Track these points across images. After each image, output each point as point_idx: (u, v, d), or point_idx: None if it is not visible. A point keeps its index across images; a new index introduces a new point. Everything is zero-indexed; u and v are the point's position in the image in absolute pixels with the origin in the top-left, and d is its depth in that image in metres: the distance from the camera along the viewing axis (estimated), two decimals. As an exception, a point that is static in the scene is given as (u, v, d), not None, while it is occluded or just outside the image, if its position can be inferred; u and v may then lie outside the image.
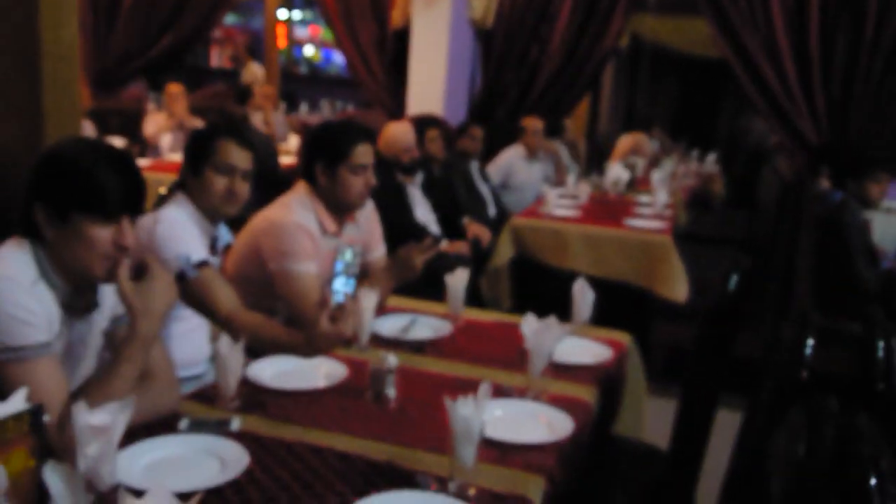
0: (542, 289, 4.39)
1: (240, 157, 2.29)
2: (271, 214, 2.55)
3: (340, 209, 2.60)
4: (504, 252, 4.39)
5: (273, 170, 5.24)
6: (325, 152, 2.56)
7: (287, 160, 5.55)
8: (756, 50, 5.06)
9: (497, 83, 5.92)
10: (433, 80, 5.76)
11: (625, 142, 7.15)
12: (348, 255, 1.96)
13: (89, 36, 6.89)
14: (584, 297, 2.53)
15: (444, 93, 5.75)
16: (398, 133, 4.32)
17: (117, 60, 6.93)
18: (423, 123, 4.83)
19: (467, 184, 5.09)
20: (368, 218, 2.82)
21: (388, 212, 4.17)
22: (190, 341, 2.33)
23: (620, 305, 4.24)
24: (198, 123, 6.16)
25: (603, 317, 4.01)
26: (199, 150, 2.30)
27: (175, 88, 6.07)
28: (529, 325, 2.05)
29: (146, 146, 6.02)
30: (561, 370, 2.18)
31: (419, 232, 4.26)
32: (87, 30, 6.88)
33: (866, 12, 4.79)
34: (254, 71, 9.31)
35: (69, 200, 1.59)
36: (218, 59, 15.51)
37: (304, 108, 10.44)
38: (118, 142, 5.51)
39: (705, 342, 2.07)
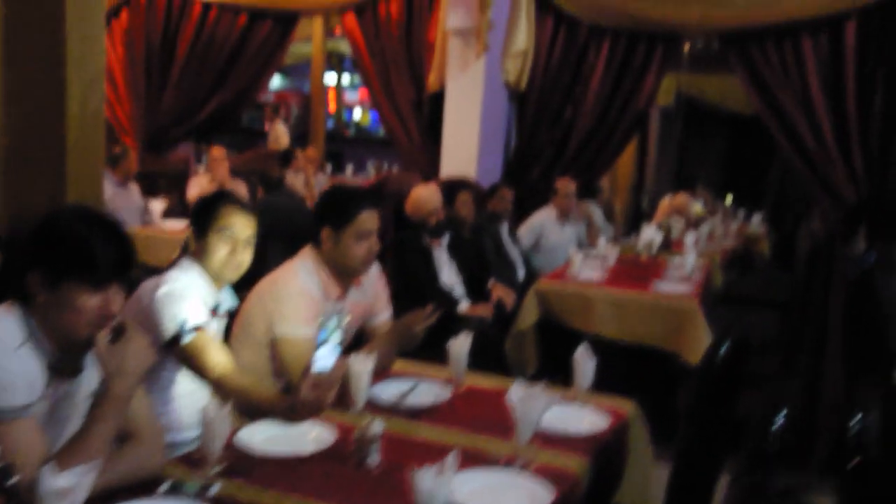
0: (568, 353, 4.35)
1: (241, 224, 2.37)
2: (276, 277, 2.61)
3: (344, 274, 2.64)
4: (529, 315, 4.39)
5: (308, 231, 5.35)
6: (331, 217, 2.62)
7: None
8: (791, 107, 5.05)
9: (531, 143, 5.99)
10: (467, 142, 5.85)
11: (667, 203, 7.12)
12: (332, 324, 2.00)
13: (142, 100, 7.22)
14: (585, 364, 2.51)
15: (477, 154, 5.83)
16: (424, 196, 4.40)
17: (167, 123, 7.23)
18: (454, 187, 4.91)
19: (496, 246, 5.14)
20: (373, 282, 2.86)
21: (413, 274, 4.27)
22: (189, 403, 2.39)
23: (648, 370, 4.23)
24: (239, 186, 6.34)
25: (628, 382, 3.96)
26: (203, 216, 2.39)
27: (217, 152, 6.27)
28: (516, 393, 2.05)
29: (188, 208, 6.22)
30: (551, 439, 2.17)
31: (444, 295, 4.30)
32: (140, 94, 7.21)
33: (902, 69, 4.75)
34: (277, 133, 9.56)
35: (62, 268, 1.67)
36: (271, 122, 15.96)
37: (349, 169, 10.68)
38: (158, 204, 5.69)
39: (695, 408, 2.04)
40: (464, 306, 4.27)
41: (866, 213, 4.55)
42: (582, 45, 5.77)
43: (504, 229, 5.27)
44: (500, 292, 4.54)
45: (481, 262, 4.86)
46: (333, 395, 1.98)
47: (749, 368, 2.36)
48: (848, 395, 3.55)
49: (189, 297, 2.30)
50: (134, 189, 5.89)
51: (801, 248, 5.71)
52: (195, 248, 2.39)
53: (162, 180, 6.93)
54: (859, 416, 1.46)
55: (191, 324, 2.25)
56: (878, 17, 4.81)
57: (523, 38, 5.70)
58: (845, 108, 4.92)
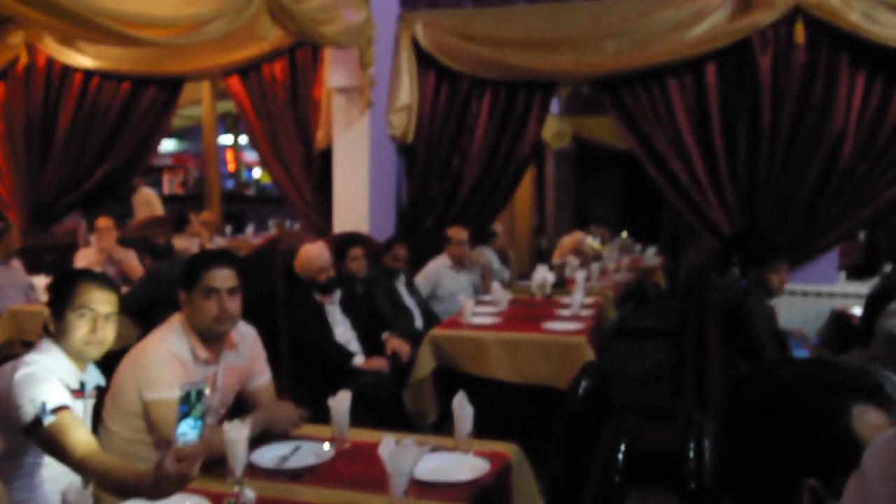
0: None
1: (101, 301, 2.35)
2: (145, 344, 2.60)
3: (209, 336, 2.64)
4: (425, 364, 4.42)
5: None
6: (183, 279, 2.68)
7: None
8: (662, 145, 5.29)
9: (422, 194, 6.08)
10: (357, 197, 5.90)
11: (565, 242, 7.31)
12: (193, 397, 1.98)
13: (23, 173, 7.02)
14: (462, 412, 2.55)
15: (368, 208, 5.89)
16: (312, 254, 4.42)
17: (52, 195, 7.03)
18: (345, 242, 4.94)
19: (392, 299, 5.17)
20: (250, 345, 2.85)
21: (306, 331, 4.27)
22: (57, 488, 2.31)
23: (543, 409, 4.30)
24: (129, 255, 6.22)
25: (525, 421, 4.01)
26: (59, 296, 2.36)
27: (103, 222, 6.15)
28: (386, 447, 2.07)
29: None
30: (427, 489, 2.20)
31: (338, 350, 4.30)
32: (21, 167, 7.01)
33: (761, 102, 5.05)
34: (145, 199, 9.38)
35: None
36: (169, 185, 15.74)
37: (250, 229, 10.59)
38: (42, 280, 5.53)
39: (559, 442, 2.10)
40: (359, 360, 4.28)
41: (739, 242, 4.78)
42: (464, 97, 5.93)
43: (401, 282, 5.32)
44: (394, 344, 4.56)
45: (376, 316, 4.89)
46: (198, 468, 1.96)
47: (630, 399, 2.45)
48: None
49: (48, 379, 2.25)
50: (17, 266, 5.71)
51: (681, 279, 5.95)
52: (54, 329, 2.35)
53: (48, 254, 6.73)
54: (692, 441, 1.53)
55: (51, 405, 2.20)
56: (734, 58, 5.12)
57: (406, 93, 5.82)
58: (713, 143, 5.19)
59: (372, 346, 4.54)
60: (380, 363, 4.29)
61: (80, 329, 2.31)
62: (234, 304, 2.65)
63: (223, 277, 2.64)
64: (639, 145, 5.42)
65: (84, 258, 6.06)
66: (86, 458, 2.16)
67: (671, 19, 5.18)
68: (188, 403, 1.96)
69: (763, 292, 3.99)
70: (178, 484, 1.94)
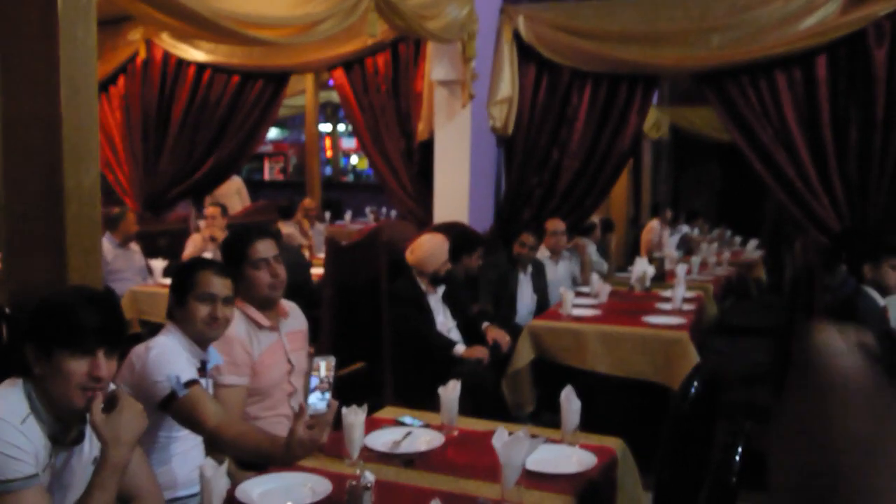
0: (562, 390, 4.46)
1: (219, 286, 2.54)
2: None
3: (263, 304, 2.88)
4: (524, 355, 4.49)
5: (304, 283, 5.48)
6: (231, 256, 2.88)
7: (318, 271, 5.78)
8: (769, 141, 5.17)
9: (521, 186, 6.12)
10: (457, 188, 5.99)
11: (645, 233, 7.26)
12: (323, 370, 2.13)
13: (140, 163, 7.39)
14: (570, 405, 2.61)
15: (468, 198, 5.96)
16: (434, 250, 4.50)
17: (165, 184, 7.38)
18: (470, 242, 5.02)
19: (498, 290, 5.27)
20: (300, 313, 3.10)
21: (409, 321, 4.38)
22: (189, 460, 2.49)
23: (643, 403, 4.32)
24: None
25: (624, 416, 4.03)
26: (181, 283, 2.54)
27: (212, 210, 6.42)
28: (500, 438, 2.15)
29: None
30: (537, 480, 2.26)
31: (439, 340, 4.40)
32: (138, 157, 7.38)
33: (875, 95, 4.88)
34: (234, 184, 9.46)
35: (51, 337, 1.80)
36: (270, 172, 16.20)
37: (348, 215, 10.85)
38: (159, 263, 5.82)
39: (669, 441, 2.13)
40: (460, 349, 4.37)
41: (848, 240, 4.65)
42: (565, 90, 5.93)
43: (527, 270, 5.46)
44: (494, 334, 4.63)
45: (477, 306, 4.99)
46: (327, 434, 2.11)
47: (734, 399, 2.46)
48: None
49: (178, 357, 2.43)
50: (135, 249, 6.03)
51: (787, 276, 5.82)
52: (178, 314, 2.52)
53: (162, 239, 7.07)
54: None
55: (184, 379, 2.37)
56: (846, 50, 4.95)
57: (507, 85, 5.86)
58: (822, 138, 5.04)
59: (471, 335, 4.64)
60: (481, 352, 4.37)
61: (200, 313, 2.50)
62: (282, 270, 2.88)
63: (269, 247, 2.88)
64: (743, 139, 5.31)
65: (194, 243, 6.33)
66: (220, 427, 2.32)
67: (780, 12, 5.05)
68: (319, 377, 2.11)
69: (876, 290, 3.89)
70: (310, 448, 2.09)
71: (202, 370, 2.53)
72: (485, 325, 4.70)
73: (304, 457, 2.16)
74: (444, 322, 4.53)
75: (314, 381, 2.10)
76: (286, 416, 2.87)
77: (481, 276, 5.09)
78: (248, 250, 2.84)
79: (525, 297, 5.43)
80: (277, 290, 2.87)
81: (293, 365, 2.94)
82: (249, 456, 2.32)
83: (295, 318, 3.03)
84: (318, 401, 2.11)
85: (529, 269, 5.51)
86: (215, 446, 2.40)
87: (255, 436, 2.30)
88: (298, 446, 2.08)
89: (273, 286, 2.85)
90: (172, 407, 2.35)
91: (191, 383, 2.38)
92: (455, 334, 4.55)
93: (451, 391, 2.74)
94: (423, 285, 4.48)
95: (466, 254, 4.88)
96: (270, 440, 2.24)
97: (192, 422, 2.37)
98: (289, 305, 3.02)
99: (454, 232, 5.11)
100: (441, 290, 4.55)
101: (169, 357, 2.41)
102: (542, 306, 5.46)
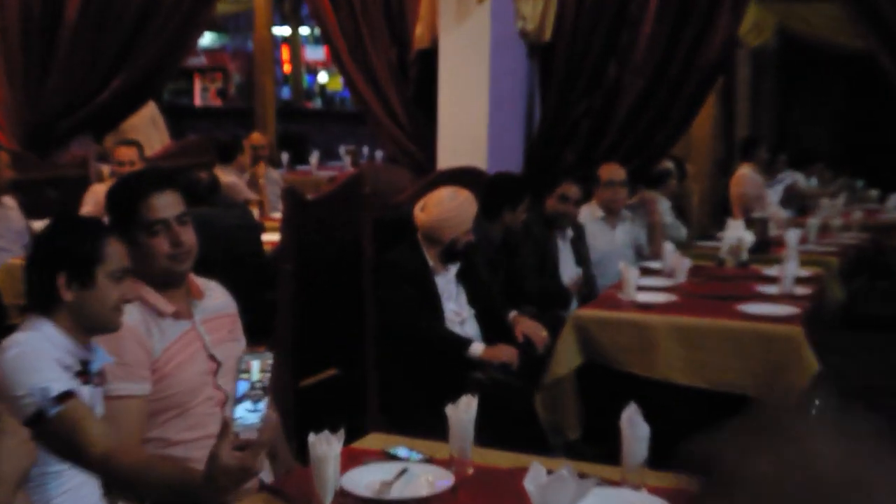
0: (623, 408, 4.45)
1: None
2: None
3: (162, 282, 2.92)
4: (567, 358, 4.48)
5: (253, 255, 5.46)
6: (117, 216, 2.92)
7: (273, 237, 5.75)
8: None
9: (562, 116, 6.08)
10: (471, 118, 5.96)
11: (736, 185, 7.23)
12: (255, 372, 2.12)
13: (17, 80, 7.32)
14: (634, 432, 2.59)
15: (486, 134, 5.94)
16: (461, 208, 4.45)
17: (55, 112, 7.33)
18: (509, 189, 5.06)
19: (542, 260, 5.29)
20: (222, 292, 3.14)
21: (404, 308, 4.36)
22: (75, 501, 2.50)
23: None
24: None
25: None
26: (85, 253, 2.56)
27: (126, 152, 6.38)
28: (534, 478, 2.13)
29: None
30: (588, 539, 2.25)
31: (448, 336, 4.38)
32: (15, 72, 7.31)
33: None
34: (147, 111, 9.23)
35: None
36: (202, 95, 16.17)
37: (314, 157, 10.81)
38: (41, 225, 5.79)
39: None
40: (477, 348, 4.35)
41: None
42: (626, -25, 5.89)
43: (566, 236, 5.52)
44: (526, 327, 4.62)
45: (506, 288, 4.99)
46: (263, 459, 2.12)
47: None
48: None
49: (46, 360, 2.43)
50: (10, 205, 5.99)
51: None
52: (66, 298, 2.54)
53: (51, 191, 7.04)
54: None
55: (54, 392, 2.36)
56: None
57: (544, -31, 5.82)
58: None
59: (495, 328, 4.63)
60: (507, 353, 4.35)
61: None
62: (189, 235, 2.89)
63: (167, 204, 2.87)
64: (883, 46, 5.26)
65: (95, 198, 6.25)
66: (111, 455, 2.32)
67: None
68: (249, 381, 2.10)
69: None
70: (239, 479, 2.08)
71: (84, 373, 2.54)
72: (512, 314, 4.68)
73: (233, 491, 2.15)
74: (457, 310, 4.52)
75: (243, 387, 2.10)
76: None
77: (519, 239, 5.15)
78: (140, 208, 2.83)
79: (565, 273, 5.44)
80: (181, 263, 2.89)
81: (219, 362, 2.93)
82: (157, 493, 2.31)
83: (214, 299, 3.06)
84: (249, 413, 2.10)
85: (569, 233, 5.51)
86: (107, 482, 2.40)
87: (162, 466, 2.31)
88: (223, 476, 2.07)
89: (175, 257, 2.86)
90: (42, 431, 2.34)
91: (64, 397, 2.37)
92: (471, 327, 4.53)
93: (463, 410, 2.72)
94: (431, 260, 4.46)
95: (510, 207, 4.95)
96: (183, 470, 2.25)
97: (72, 450, 2.37)
98: (204, 283, 3.06)
99: (491, 179, 5.16)
100: (454, 268, 4.54)
101: (31, 361, 2.41)
102: (590, 288, 5.44)
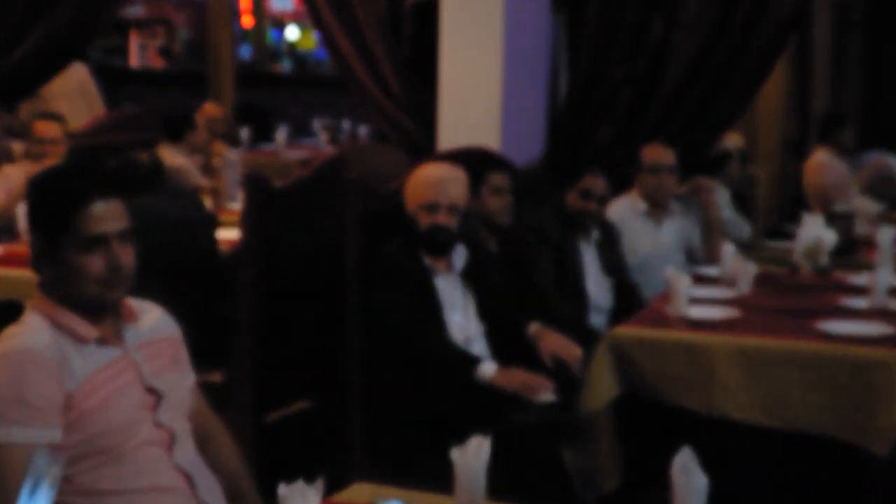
0: (671, 452, 4.44)
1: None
2: None
3: (88, 308, 2.88)
4: (601, 389, 4.46)
5: (206, 257, 5.46)
6: (43, 222, 2.90)
7: (231, 235, 5.74)
8: None
9: (595, 84, 6.09)
10: (480, 87, 5.96)
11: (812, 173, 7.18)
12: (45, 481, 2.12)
13: None
14: (689, 480, 2.59)
15: (499, 107, 5.94)
16: (421, 174, 4.56)
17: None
18: (477, 163, 5.00)
19: (564, 268, 5.31)
20: (160, 314, 3.10)
21: (395, 318, 4.36)
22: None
23: (815, 474, 4.30)
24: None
25: (780, 496, 4.03)
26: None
27: (46, 127, 6.37)
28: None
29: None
30: None
31: (450, 354, 4.38)
32: None
33: None
34: (75, 74, 9.20)
35: None
36: (140, 55, 16.15)
37: (281, 134, 10.79)
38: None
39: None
40: (488, 371, 4.34)
41: None
42: None
43: (590, 241, 5.50)
44: (554, 344, 4.63)
45: (521, 295, 4.98)
46: None
47: None
48: None
49: None
50: None
51: None
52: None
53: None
54: None
55: None
56: None
57: None
58: None
59: (509, 345, 4.64)
60: (528, 380, 4.35)
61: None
62: (129, 258, 2.87)
63: (110, 216, 2.84)
64: None
65: (6, 185, 6.26)
66: None
67: None
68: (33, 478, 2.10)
69: None
70: None
71: None
72: (533, 326, 4.68)
73: None
74: (462, 324, 4.53)
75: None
76: (166, 489, 2.85)
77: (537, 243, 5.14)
78: (75, 218, 2.80)
79: (590, 283, 5.45)
80: (114, 291, 2.86)
81: (160, 394, 2.92)
82: None
83: (150, 320, 3.04)
84: None
85: (594, 234, 5.51)
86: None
87: None
88: None
89: (108, 283, 2.84)
90: None
91: None
92: (478, 347, 4.54)
93: (473, 455, 2.71)
94: (428, 258, 4.50)
95: (477, 185, 4.90)
96: None
97: None
98: (137, 303, 3.02)
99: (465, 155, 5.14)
100: (459, 264, 4.56)
101: None
102: (626, 300, 5.46)
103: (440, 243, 4.51)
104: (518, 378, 4.36)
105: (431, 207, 4.45)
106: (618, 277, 5.58)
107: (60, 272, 2.80)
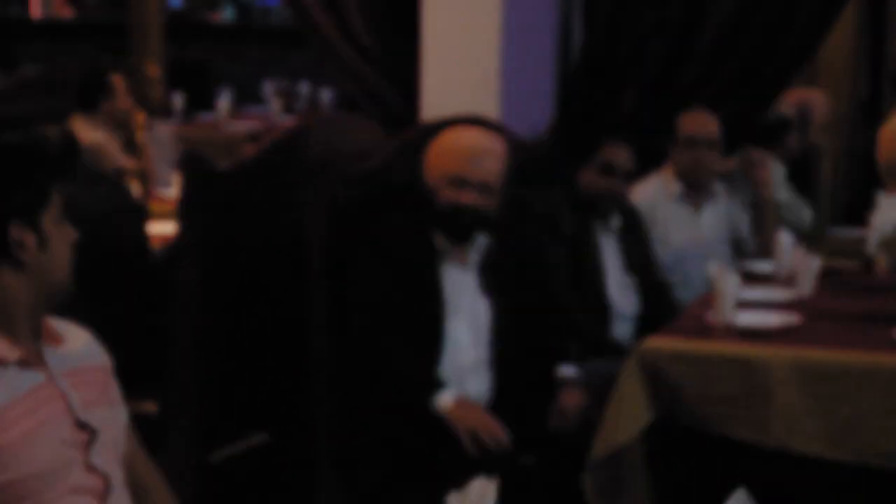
0: (721, 494, 4.47)
1: None
2: None
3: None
4: (631, 415, 4.46)
5: (133, 257, 5.48)
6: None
7: (165, 229, 5.76)
8: None
9: (617, 34, 6.11)
10: (475, 40, 5.99)
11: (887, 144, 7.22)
12: None
13: None
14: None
15: (498, 68, 5.97)
16: (448, 142, 4.63)
17: None
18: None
19: (580, 268, 5.36)
20: (87, 339, 3.12)
21: (370, 316, 4.40)
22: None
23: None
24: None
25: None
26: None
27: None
28: None
29: None
30: None
31: (408, 373, 4.43)
32: None
33: None
34: None
35: None
36: (44, 2, 16.13)
37: (224, 103, 10.78)
38: None
39: None
40: (445, 401, 4.33)
41: None
42: None
43: (610, 229, 5.54)
44: (566, 401, 4.70)
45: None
46: None
47: None
48: None
49: None
50: None
51: None
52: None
53: None
54: None
55: None
56: None
57: None
58: None
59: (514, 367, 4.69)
60: (481, 425, 4.36)
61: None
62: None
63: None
64: None
65: None
66: None
67: None
68: None
69: None
70: None
71: None
72: (567, 371, 4.73)
73: None
74: (469, 342, 4.58)
75: None
76: None
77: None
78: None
79: (611, 284, 5.50)
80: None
81: (93, 430, 2.95)
82: None
83: (77, 346, 3.06)
84: None
85: (615, 221, 5.55)
86: None
87: None
88: None
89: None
90: None
91: None
92: (479, 379, 4.61)
93: (476, 501, 2.74)
94: (441, 243, 4.54)
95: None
96: None
97: None
98: (60, 325, 3.05)
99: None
100: (476, 258, 4.62)
101: None
102: (655, 305, 5.51)
103: (463, 227, 4.54)
104: (472, 418, 4.38)
105: (458, 182, 4.48)
106: (644, 276, 5.61)
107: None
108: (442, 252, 4.53)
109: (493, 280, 4.65)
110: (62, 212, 2.80)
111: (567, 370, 4.73)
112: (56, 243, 2.81)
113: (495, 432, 4.34)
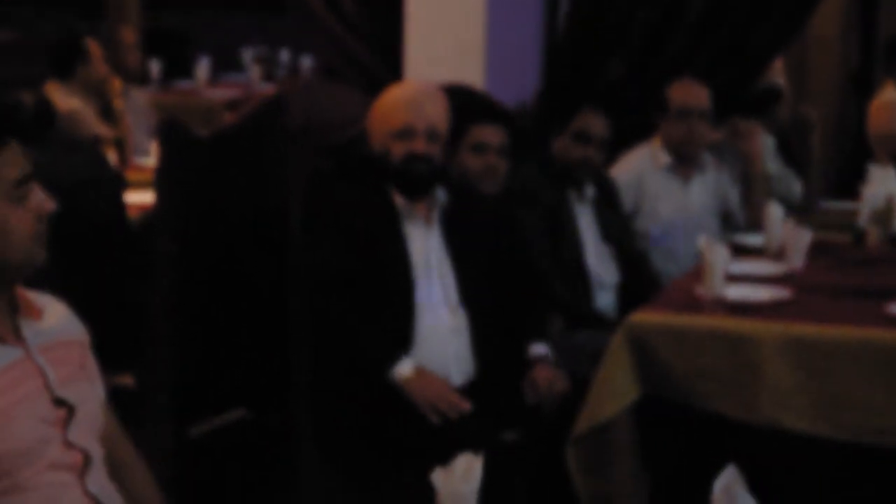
0: (708, 470, 4.46)
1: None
2: None
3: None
4: (617, 390, 4.45)
5: (109, 228, 5.46)
6: None
7: (143, 198, 5.74)
8: None
9: (602, 8, 6.09)
10: (460, 6, 5.98)
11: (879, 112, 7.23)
12: None
13: None
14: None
15: (484, 32, 5.96)
16: (396, 94, 4.60)
17: None
18: (460, 111, 5.01)
19: (556, 240, 5.35)
20: (65, 312, 3.12)
21: (329, 279, 4.40)
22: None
23: (893, 500, 4.33)
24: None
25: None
26: None
27: None
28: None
29: None
30: None
31: (364, 337, 4.42)
32: None
33: None
34: None
35: None
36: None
37: (203, 70, 10.76)
38: None
39: None
40: (403, 371, 4.31)
41: None
42: None
43: (586, 200, 5.52)
44: (541, 377, 4.66)
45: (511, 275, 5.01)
46: None
47: None
48: None
49: None
50: None
51: None
52: None
53: None
54: None
55: None
56: None
57: None
58: None
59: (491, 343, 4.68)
60: (441, 397, 4.34)
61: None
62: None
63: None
64: None
65: None
66: None
67: None
68: None
69: None
70: None
71: None
72: (538, 349, 4.69)
73: None
74: (437, 297, 4.55)
75: None
76: None
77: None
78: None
79: (589, 254, 5.50)
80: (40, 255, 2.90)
81: (71, 407, 2.95)
82: None
83: (54, 320, 3.06)
84: None
85: (590, 190, 5.54)
86: None
87: None
88: None
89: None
90: None
91: None
92: (461, 344, 4.57)
93: (461, 478, 2.72)
94: (401, 202, 4.51)
95: (455, 136, 4.90)
96: None
97: None
98: (38, 298, 3.04)
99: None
100: (436, 207, 4.58)
101: None
102: (634, 274, 5.53)
103: (420, 176, 4.50)
104: (430, 388, 4.35)
105: (405, 133, 4.46)
106: (622, 245, 5.61)
107: None
108: (403, 211, 4.50)
109: (458, 237, 4.61)
110: (25, 184, 2.75)
111: (538, 348, 4.71)
112: (14, 223, 2.75)
113: (454, 402, 4.32)
